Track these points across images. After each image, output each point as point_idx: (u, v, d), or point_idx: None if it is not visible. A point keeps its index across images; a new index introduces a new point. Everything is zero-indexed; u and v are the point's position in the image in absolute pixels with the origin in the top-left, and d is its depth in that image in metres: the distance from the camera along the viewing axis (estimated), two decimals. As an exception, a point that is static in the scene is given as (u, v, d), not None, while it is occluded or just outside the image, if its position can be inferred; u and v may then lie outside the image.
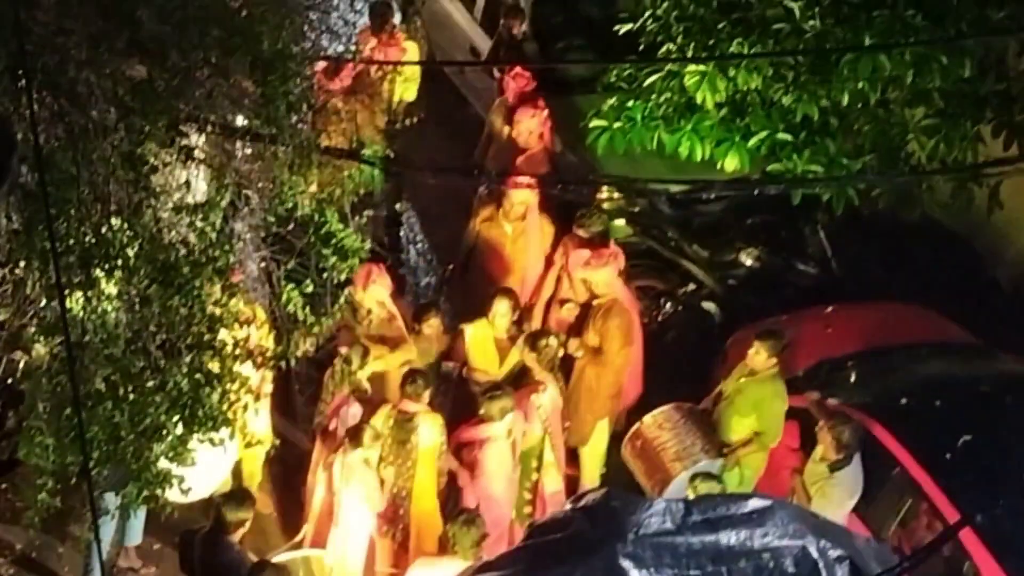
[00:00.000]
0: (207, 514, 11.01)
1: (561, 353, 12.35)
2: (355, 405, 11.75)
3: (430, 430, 11.60)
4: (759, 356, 11.95)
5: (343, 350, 11.84)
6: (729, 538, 8.88)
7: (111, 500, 10.38)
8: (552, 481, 12.15)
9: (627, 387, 12.94)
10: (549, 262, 13.30)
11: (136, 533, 12.05)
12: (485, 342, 12.50)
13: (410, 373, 11.70)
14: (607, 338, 12.45)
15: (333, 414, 11.74)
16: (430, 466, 11.67)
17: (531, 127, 13.90)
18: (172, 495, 8.89)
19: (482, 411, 11.61)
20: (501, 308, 12.36)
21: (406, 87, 14.91)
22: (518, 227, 13.24)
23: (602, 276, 12.52)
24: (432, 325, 12.39)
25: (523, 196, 13.00)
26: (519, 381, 12.11)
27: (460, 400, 12.46)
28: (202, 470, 9.39)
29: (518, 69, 14.33)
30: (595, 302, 12.55)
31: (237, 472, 11.98)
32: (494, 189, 13.43)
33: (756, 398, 12.02)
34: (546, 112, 13.99)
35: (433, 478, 11.71)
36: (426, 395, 11.60)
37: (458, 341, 12.57)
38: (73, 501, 9.80)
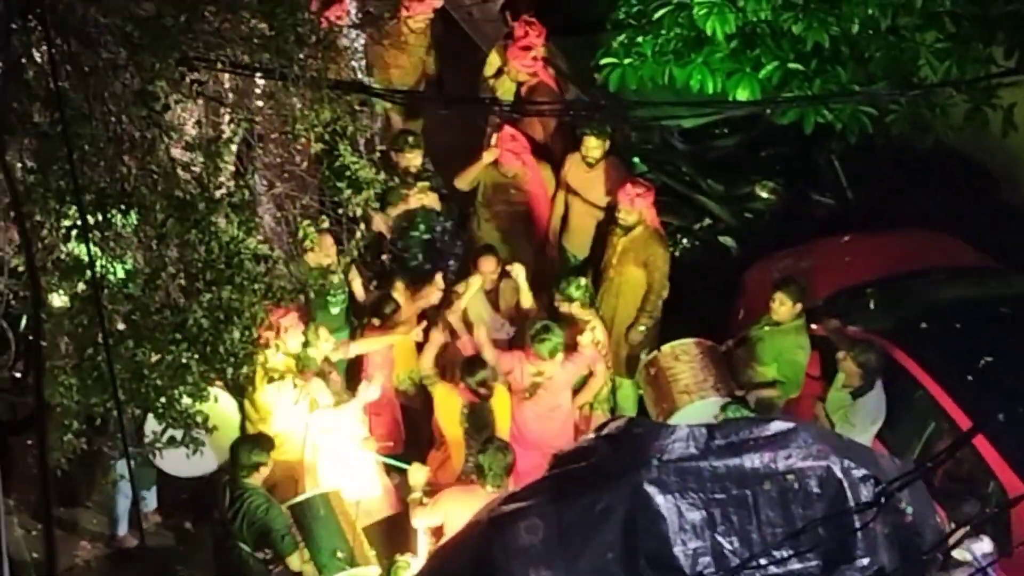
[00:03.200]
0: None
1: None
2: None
3: (505, 408, 11.64)
4: (783, 307, 11.94)
5: None
6: (753, 461, 8.87)
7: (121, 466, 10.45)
8: (603, 415, 12.18)
9: None
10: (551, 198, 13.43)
11: (151, 499, 12.10)
12: (478, 295, 12.46)
13: (472, 362, 11.60)
14: (655, 266, 12.59)
15: None
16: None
17: (521, 59, 13.79)
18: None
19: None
20: (487, 267, 12.41)
21: None
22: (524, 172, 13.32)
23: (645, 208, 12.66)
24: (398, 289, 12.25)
25: (514, 169, 13.18)
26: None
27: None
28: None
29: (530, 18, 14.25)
30: (633, 233, 12.61)
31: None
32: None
33: (778, 348, 12.04)
34: (538, 47, 13.87)
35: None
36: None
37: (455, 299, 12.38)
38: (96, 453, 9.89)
